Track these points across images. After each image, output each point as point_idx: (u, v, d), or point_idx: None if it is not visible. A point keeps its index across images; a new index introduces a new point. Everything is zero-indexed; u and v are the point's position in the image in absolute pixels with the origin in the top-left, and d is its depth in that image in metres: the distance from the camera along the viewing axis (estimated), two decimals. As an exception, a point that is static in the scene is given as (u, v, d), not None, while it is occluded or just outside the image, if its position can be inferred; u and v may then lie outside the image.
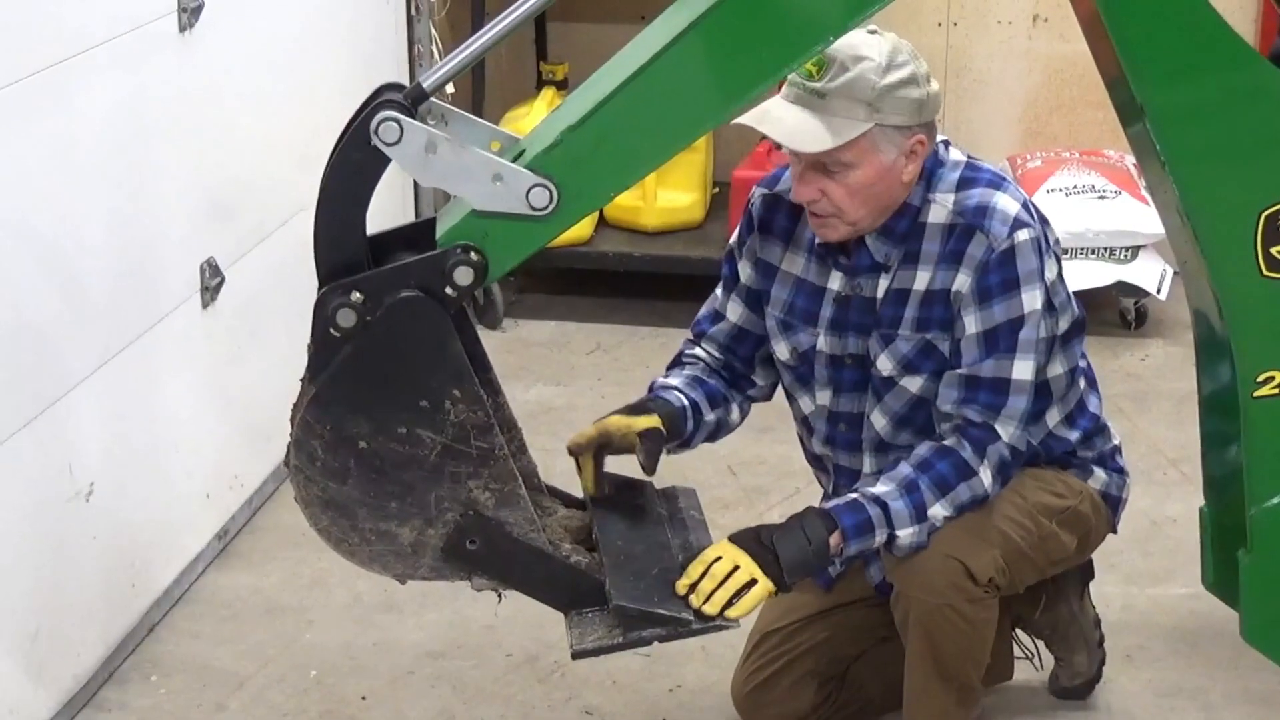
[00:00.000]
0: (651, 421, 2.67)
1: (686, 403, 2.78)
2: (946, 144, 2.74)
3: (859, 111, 2.55)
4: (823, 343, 2.77)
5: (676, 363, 2.89)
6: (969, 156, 2.74)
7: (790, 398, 2.89)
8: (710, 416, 2.81)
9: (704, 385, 2.83)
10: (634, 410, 2.70)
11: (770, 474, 3.98)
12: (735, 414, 2.87)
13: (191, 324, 3.56)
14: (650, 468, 2.63)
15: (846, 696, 3.01)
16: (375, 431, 2.34)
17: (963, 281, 2.64)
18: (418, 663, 3.36)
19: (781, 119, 2.58)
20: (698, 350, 2.89)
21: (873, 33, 2.57)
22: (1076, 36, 2.60)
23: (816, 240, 2.75)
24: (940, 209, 2.67)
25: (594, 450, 2.64)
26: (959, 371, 2.66)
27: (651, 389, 2.82)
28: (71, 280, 3.13)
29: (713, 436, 2.85)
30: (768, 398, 2.92)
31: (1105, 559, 3.19)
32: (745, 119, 2.58)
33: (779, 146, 2.65)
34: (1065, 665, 3.15)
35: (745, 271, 2.85)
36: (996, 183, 2.69)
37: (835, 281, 2.75)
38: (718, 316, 2.88)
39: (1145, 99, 2.44)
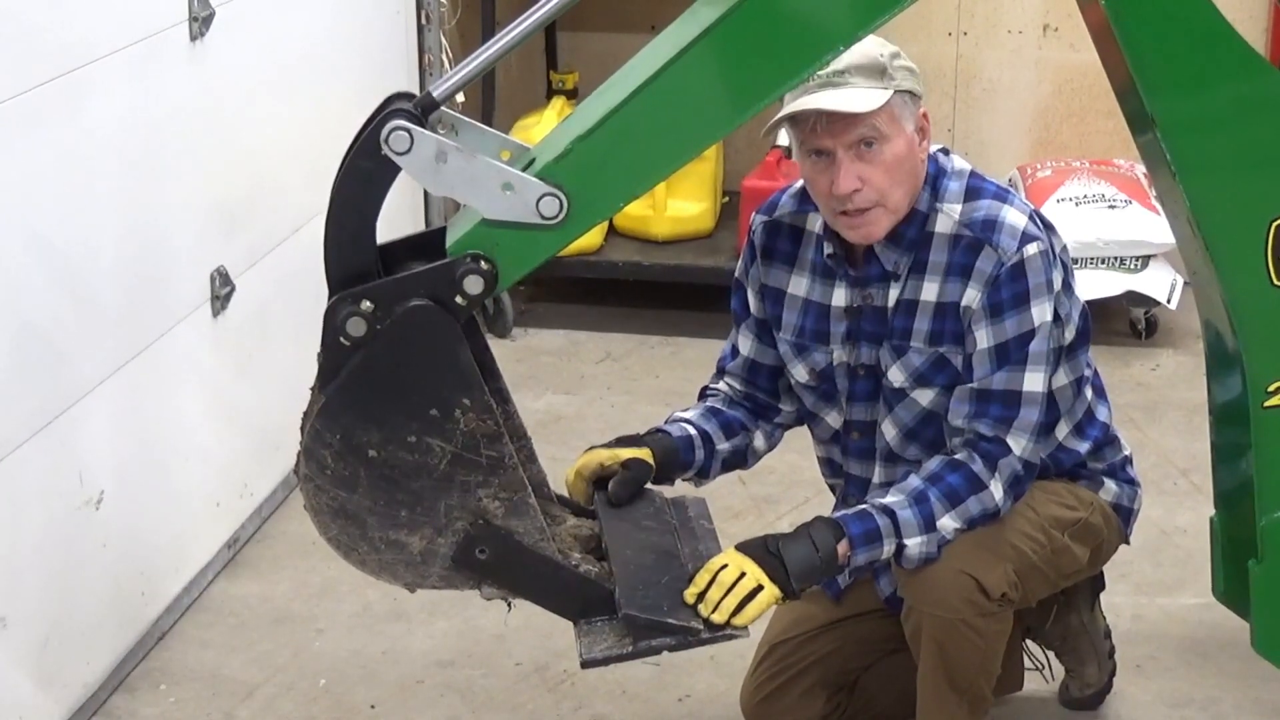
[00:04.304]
0: (638, 453, 2.70)
1: (694, 433, 2.79)
2: (946, 151, 2.75)
3: (878, 80, 2.59)
4: (838, 356, 2.77)
5: (700, 396, 2.92)
6: (971, 166, 2.75)
7: (813, 419, 2.88)
8: (725, 445, 2.82)
9: (720, 415, 2.85)
10: (624, 442, 2.73)
11: (779, 483, 3.98)
12: (760, 441, 2.88)
13: (202, 333, 3.56)
14: (616, 498, 2.64)
15: (856, 707, 3.01)
16: (385, 440, 2.34)
17: (972, 296, 2.64)
18: (427, 671, 3.36)
19: (822, 98, 2.57)
20: (720, 385, 2.91)
21: None
22: (1087, 46, 2.60)
23: (824, 255, 2.75)
24: (947, 219, 2.68)
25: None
26: (970, 385, 2.66)
27: (665, 421, 2.83)
28: (82, 289, 3.13)
29: (735, 465, 2.87)
30: (799, 423, 2.93)
31: (1116, 569, 3.18)
32: (791, 108, 2.58)
33: (788, 155, 2.65)
34: (1076, 676, 3.15)
35: (753, 302, 2.85)
36: (1002, 195, 2.69)
37: (840, 297, 2.75)
38: (734, 352, 2.90)
39: (1155, 108, 2.43)
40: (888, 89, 2.58)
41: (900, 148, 2.61)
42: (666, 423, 2.83)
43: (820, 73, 2.55)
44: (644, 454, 2.71)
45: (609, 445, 2.73)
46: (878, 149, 2.60)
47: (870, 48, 2.58)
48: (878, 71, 2.58)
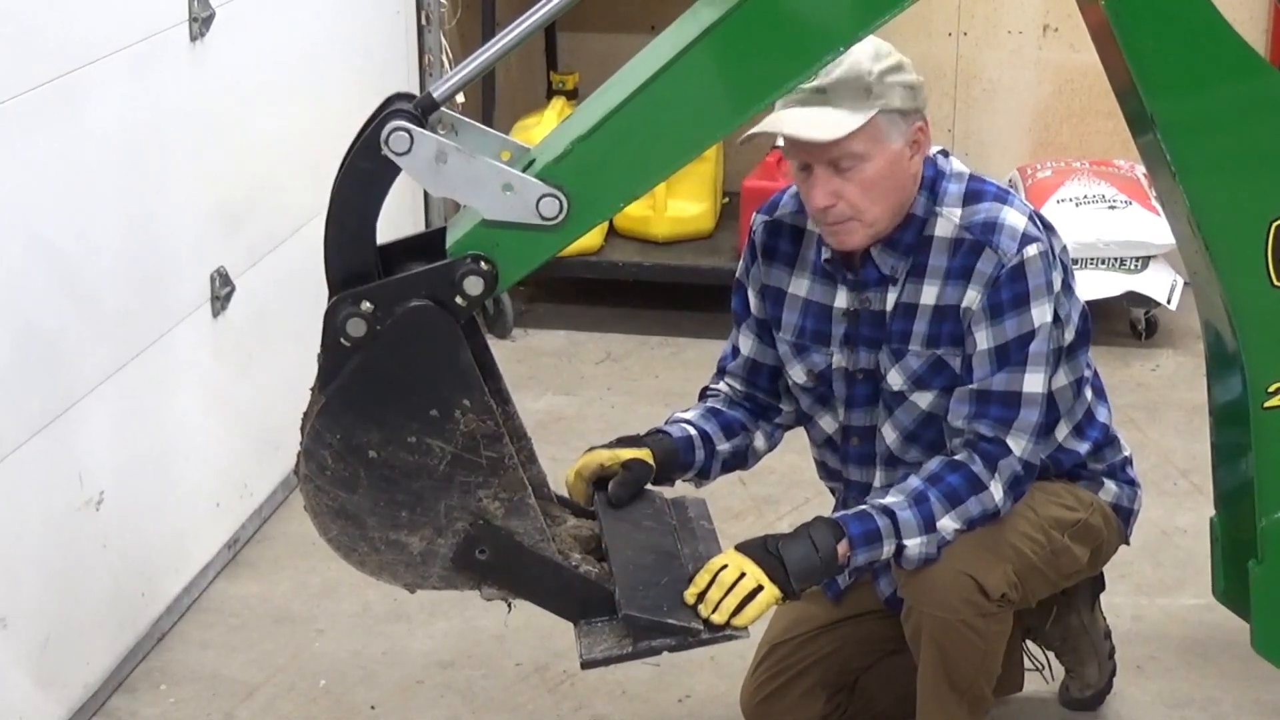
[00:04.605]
0: (638, 454, 2.70)
1: (695, 433, 2.79)
2: (945, 153, 2.74)
3: (861, 99, 2.56)
4: (837, 359, 2.77)
5: (701, 396, 2.92)
6: (970, 170, 2.75)
7: (809, 421, 2.88)
8: (725, 446, 2.82)
9: (720, 416, 2.85)
10: (625, 443, 2.73)
11: (779, 484, 3.98)
12: (760, 442, 2.89)
13: (202, 333, 3.56)
14: (617, 499, 2.64)
15: (856, 708, 3.01)
16: (385, 441, 2.34)
17: (973, 298, 2.64)
18: (427, 672, 3.36)
19: (794, 119, 2.58)
20: (720, 385, 2.91)
21: None
22: (1087, 46, 2.60)
23: (822, 259, 2.75)
24: (947, 223, 2.67)
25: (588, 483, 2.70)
26: (970, 387, 2.66)
27: (665, 422, 2.83)
28: (82, 289, 3.13)
29: (735, 466, 2.87)
30: (799, 423, 2.93)
31: (1116, 570, 3.18)
32: (761, 127, 2.59)
33: (787, 155, 2.65)
34: (1076, 676, 3.15)
35: (754, 302, 2.85)
36: (1002, 196, 2.69)
37: (842, 299, 2.75)
38: (735, 352, 2.89)
39: (1155, 109, 2.43)
40: (870, 109, 2.56)
41: (879, 167, 2.60)
42: (666, 423, 2.83)
43: (804, 85, 2.55)
44: (644, 455, 2.71)
45: (609, 446, 2.73)
46: (855, 168, 2.59)
47: (862, 62, 2.56)
48: (863, 90, 2.56)
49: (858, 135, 2.56)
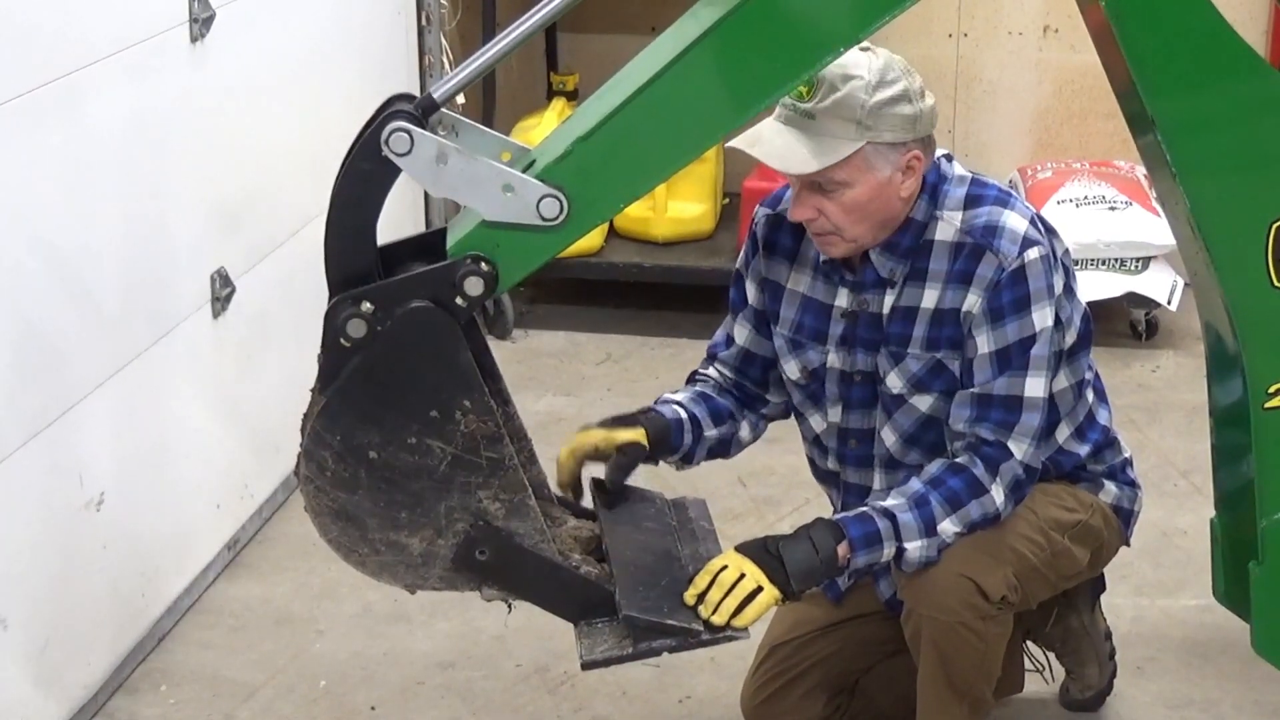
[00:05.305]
0: (633, 435, 2.69)
1: (685, 416, 2.79)
2: (949, 157, 2.74)
3: (850, 130, 2.55)
4: (832, 359, 2.77)
5: (690, 380, 2.91)
6: (972, 172, 2.74)
7: (800, 417, 2.88)
8: (712, 432, 2.82)
9: (709, 402, 2.84)
10: (620, 422, 2.72)
11: (780, 485, 3.98)
12: (746, 431, 2.88)
13: (202, 334, 3.56)
14: (613, 482, 2.64)
15: (856, 709, 3.01)
16: (385, 442, 2.34)
17: (973, 301, 2.64)
18: (427, 673, 3.36)
19: (772, 141, 2.58)
20: (710, 370, 2.90)
21: (864, 50, 2.56)
22: (1087, 47, 2.60)
23: (821, 259, 2.75)
24: (948, 227, 2.67)
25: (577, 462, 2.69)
26: (971, 390, 2.66)
27: (655, 402, 2.82)
28: (82, 290, 3.13)
29: (719, 453, 2.87)
30: (784, 415, 2.92)
31: (1116, 571, 3.18)
32: (737, 142, 2.59)
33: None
34: (1076, 677, 3.15)
35: (752, 294, 2.85)
36: (1004, 199, 2.68)
37: (842, 299, 2.75)
38: (729, 340, 2.89)
39: (1156, 110, 2.43)
40: (856, 143, 2.54)
41: (863, 193, 2.59)
42: (657, 403, 2.81)
43: (798, 104, 2.54)
44: (638, 435, 2.69)
45: (604, 424, 2.72)
46: (837, 191, 2.59)
47: (858, 93, 2.53)
48: (852, 123, 2.54)
49: (840, 165, 2.56)
